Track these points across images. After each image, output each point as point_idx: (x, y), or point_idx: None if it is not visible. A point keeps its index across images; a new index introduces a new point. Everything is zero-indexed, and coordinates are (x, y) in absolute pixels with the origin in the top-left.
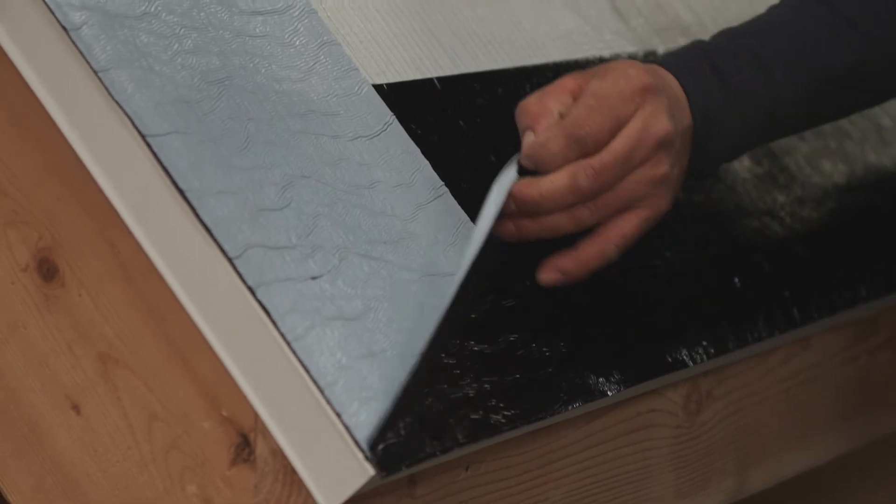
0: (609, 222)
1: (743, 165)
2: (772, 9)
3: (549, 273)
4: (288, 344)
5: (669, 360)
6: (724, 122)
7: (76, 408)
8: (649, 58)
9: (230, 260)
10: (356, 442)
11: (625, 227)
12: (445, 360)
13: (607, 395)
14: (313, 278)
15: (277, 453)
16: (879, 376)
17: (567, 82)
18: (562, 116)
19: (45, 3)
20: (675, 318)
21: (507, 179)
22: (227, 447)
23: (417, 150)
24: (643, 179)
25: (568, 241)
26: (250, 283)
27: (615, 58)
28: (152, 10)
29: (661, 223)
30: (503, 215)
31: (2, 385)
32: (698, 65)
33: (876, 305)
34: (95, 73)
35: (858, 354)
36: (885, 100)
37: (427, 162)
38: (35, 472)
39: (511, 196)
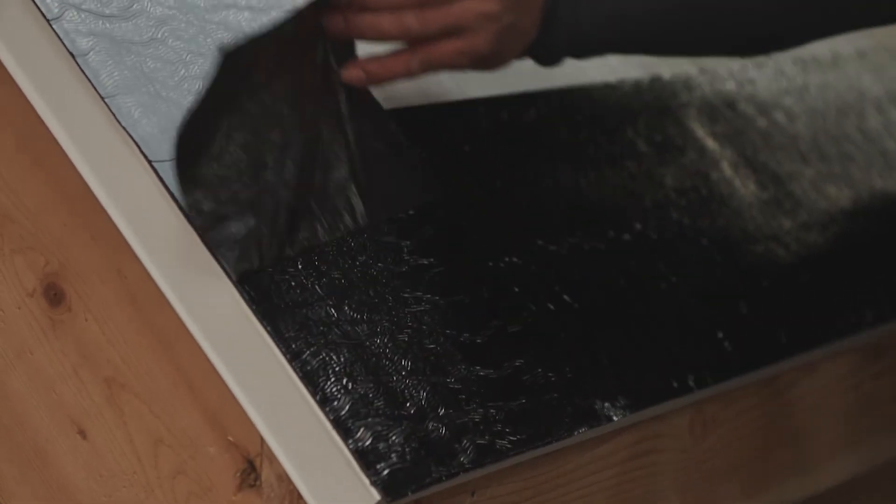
0: (424, 43)
1: (748, 190)
2: None
3: (353, 71)
4: (294, 369)
5: (675, 385)
6: (573, 8)
7: (82, 432)
8: (655, 83)
9: (235, 283)
10: (362, 467)
11: (436, 51)
12: (451, 385)
13: (613, 420)
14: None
15: (283, 478)
16: (883, 401)
17: None
18: None
19: (53, 30)
20: (681, 343)
21: None
22: (232, 472)
23: None
24: (471, 9)
25: None
26: (256, 306)
27: (621, 83)
28: (159, 36)
29: (662, 247)
30: (334, 6)
31: (9, 409)
32: None
33: (881, 330)
34: (102, 98)
35: (863, 380)
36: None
37: None
38: (41, 496)
39: None
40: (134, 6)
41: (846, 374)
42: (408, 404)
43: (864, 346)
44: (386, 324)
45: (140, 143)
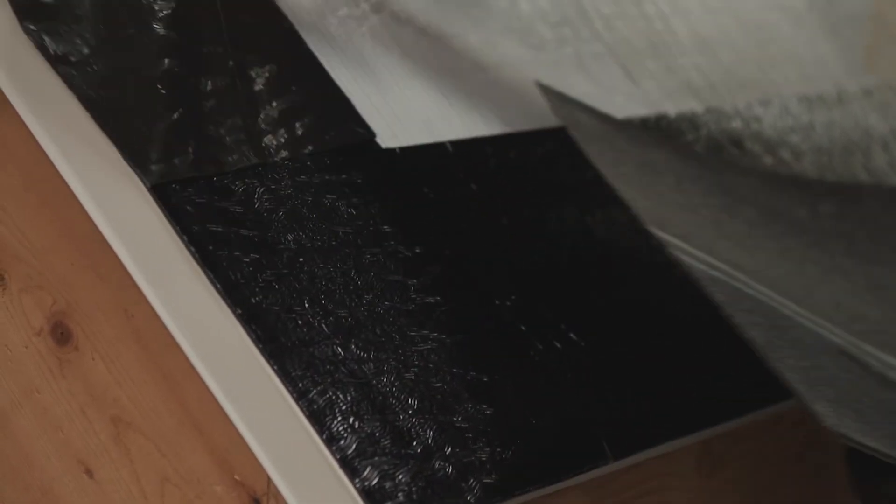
0: None
1: None
2: None
3: None
4: (300, 408)
5: (681, 422)
6: None
7: (89, 472)
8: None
9: (243, 323)
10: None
11: None
12: (458, 424)
13: (618, 459)
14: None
15: None
16: None
17: None
18: None
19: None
20: (687, 380)
21: None
22: None
23: None
24: None
25: None
26: (262, 345)
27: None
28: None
29: (672, 283)
30: None
31: (16, 449)
32: None
33: None
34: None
35: None
36: None
37: None
38: None
39: None
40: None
41: None
42: (414, 443)
43: None
44: (392, 362)
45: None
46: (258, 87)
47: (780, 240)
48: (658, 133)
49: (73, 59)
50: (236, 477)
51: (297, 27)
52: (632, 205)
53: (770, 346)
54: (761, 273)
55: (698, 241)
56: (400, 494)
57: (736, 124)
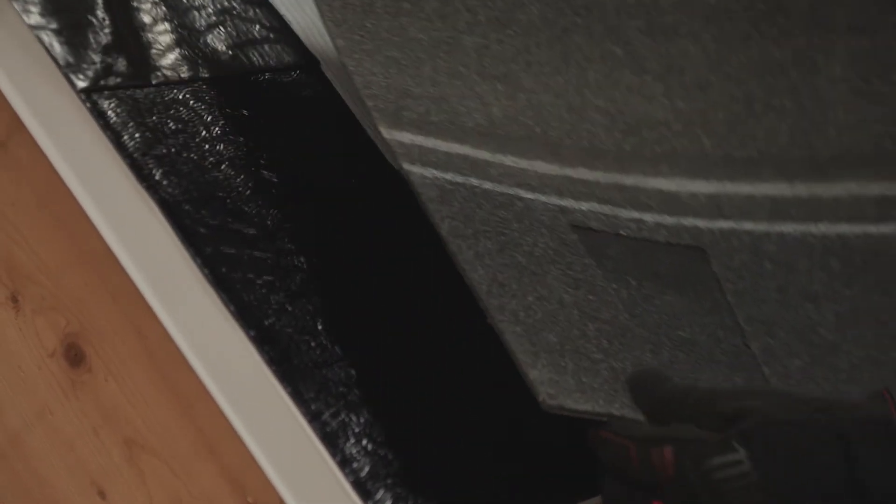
0: None
1: None
2: None
3: None
4: (313, 430)
5: None
6: None
7: (102, 493)
8: None
9: (256, 344)
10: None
11: None
12: (472, 446)
13: None
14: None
15: None
16: None
17: None
18: None
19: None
20: None
21: None
22: None
23: None
24: None
25: None
26: (275, 367)
27: None
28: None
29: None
30: None
31: (30, 470)
32: None
33: None
34: (123, 158)
35: None
36: None
37: None
38: None
39: None
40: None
41: None
42: (428, 466)
43: None
44: (408, 387)
45: (160, 205)
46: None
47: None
48: None
49: None
50: (249, 499)
51: None
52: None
53: (495, 284)
54: (526, 110)
55: (441, 114)
56: None
57: None
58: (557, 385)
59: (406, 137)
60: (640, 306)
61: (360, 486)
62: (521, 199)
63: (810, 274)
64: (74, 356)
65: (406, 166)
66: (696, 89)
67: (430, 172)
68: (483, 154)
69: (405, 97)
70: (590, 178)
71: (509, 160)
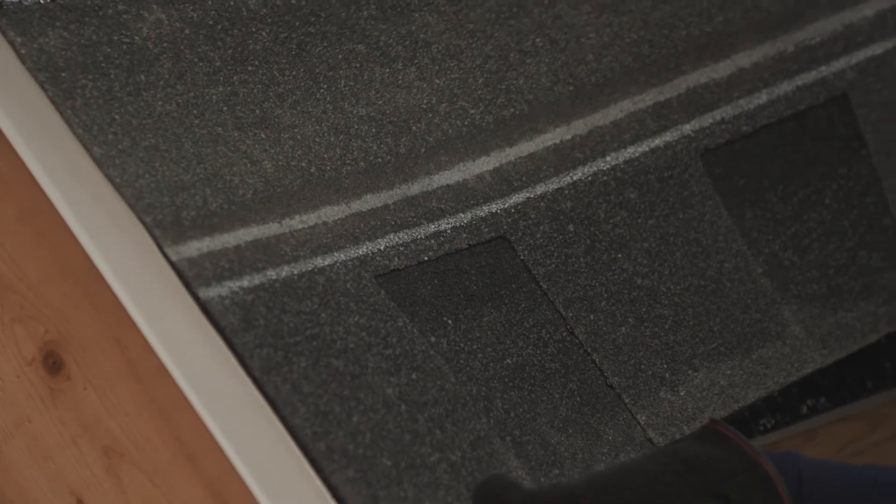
0: None
1: None
2: None
3: None
4: (294, 438)
5: None
6: None
7: (81, 502)
8: None
9: (240, 357)
10: None
11: None
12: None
13: None
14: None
15: None
16: None
17: None
18: None
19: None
20: None
21: None
22: None
23: None
24: None
25: None
26: (259, 374)
27: None
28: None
29: None
30: None
31: (9, 480)
32: None
33: (882, 398)
34: (104, 173)
35: (865, 448)
36: None
37: None
38: None
39: None
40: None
41: (847, 442)
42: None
43: (866, 415)
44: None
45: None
46: None
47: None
48: None
49: None
50: None
51: None
52: None
53: (319, 418)
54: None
55: (219, 197)
56: None
57: None
58: None
59: (193, 249)
60: (462, 351)
61: (342, 493)
62: (320, 271)
63: (611, 218)
64: (53, 364)
65: (202, 294)
66: (449, 59)
67: (226, 289)
68: (272, 228)
69: (179, 192)
70: (378, 203)
71: (297, 222)
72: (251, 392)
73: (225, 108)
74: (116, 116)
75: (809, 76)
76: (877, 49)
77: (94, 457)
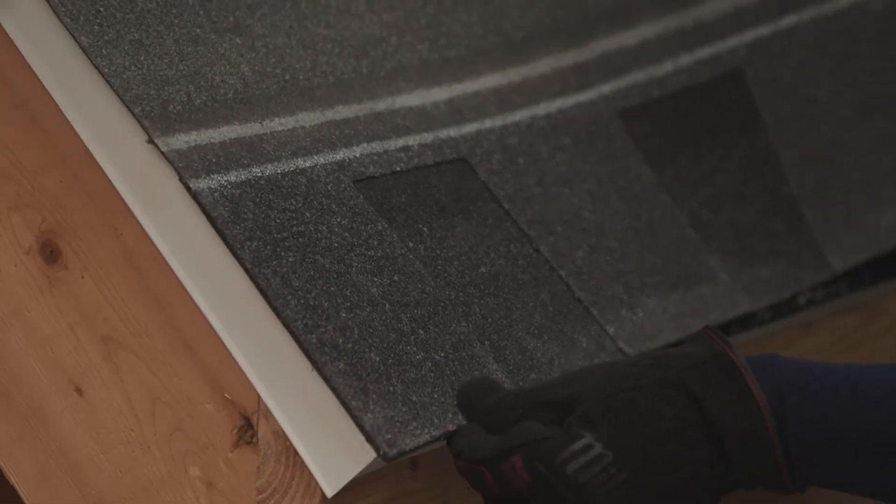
0: None
1: None
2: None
3: None
4: (287, 329)
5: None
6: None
7: (79, 390)
8: None
9: (231, 248)
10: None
11: None
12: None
13: None
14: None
15: (280, 435)
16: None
17: None
18: None
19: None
20: None
21: None
22: (229, 430)
23: None
24: None
25: None
26: (249, 265)
27: None
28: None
29: None
30: None
31: (5, 368)
32: None
33: (880, 290)
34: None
35: (862, 340)
36: None
37: None
38: (38, 456)
39: None
40: None
41: (845, 334)
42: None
43: (864, 305)
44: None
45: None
46: None
47: None
48: None
49: None
50: (227, 395)
51: None
52: None
53: (309, 311)
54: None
55: (202, 94)
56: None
57: None
58: (392, 422)
59: (181, 142)
60: (439, 258)
61: (328, 382)
62: (302, 172)
63: (553, 157)
64: (50, 253)
65: (193, 185)
66: None
67: (215, 182)
68: (254, 127)
69: (165, 86)
70: (349, 115)
71: (277, 124)
72: (245, 282)
73: (201, 12)
74: (101, 9)
75: (706, 51)
76: (764, 30)
77: (92, 345)
